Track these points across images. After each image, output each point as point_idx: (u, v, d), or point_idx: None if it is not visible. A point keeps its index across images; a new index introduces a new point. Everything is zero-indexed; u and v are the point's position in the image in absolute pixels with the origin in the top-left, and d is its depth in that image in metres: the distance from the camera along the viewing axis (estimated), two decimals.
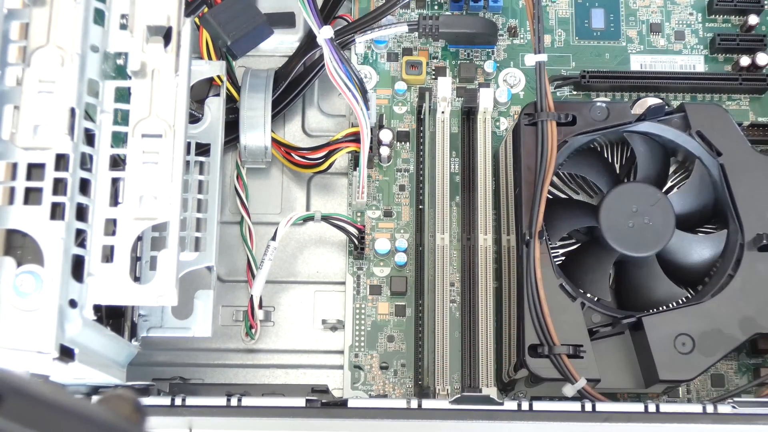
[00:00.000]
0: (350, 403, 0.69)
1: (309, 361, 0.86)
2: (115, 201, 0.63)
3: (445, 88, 0.84)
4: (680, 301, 0.78)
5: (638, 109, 0.81)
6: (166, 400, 0.68)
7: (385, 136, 0.87)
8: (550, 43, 0.93)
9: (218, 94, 0.80)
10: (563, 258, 0.80)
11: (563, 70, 0.92)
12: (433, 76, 0.91)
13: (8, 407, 0.33)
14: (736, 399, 0.72)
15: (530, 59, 0.78)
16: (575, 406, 0.69)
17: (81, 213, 0.61)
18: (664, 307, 0.77)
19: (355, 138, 0.84)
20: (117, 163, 0.64)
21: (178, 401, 0.68)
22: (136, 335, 0.73)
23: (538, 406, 0.68)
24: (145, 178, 0.62)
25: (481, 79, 0.92)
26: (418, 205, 0.86)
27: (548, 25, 0.93)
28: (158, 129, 0.63)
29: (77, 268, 0.60)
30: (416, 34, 0.91)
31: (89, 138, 0.63)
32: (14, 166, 0.60)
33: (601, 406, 0.69)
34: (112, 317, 0.71)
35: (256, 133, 0.85)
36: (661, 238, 0.77)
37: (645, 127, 0.80)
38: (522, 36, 0.93)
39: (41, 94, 0.61)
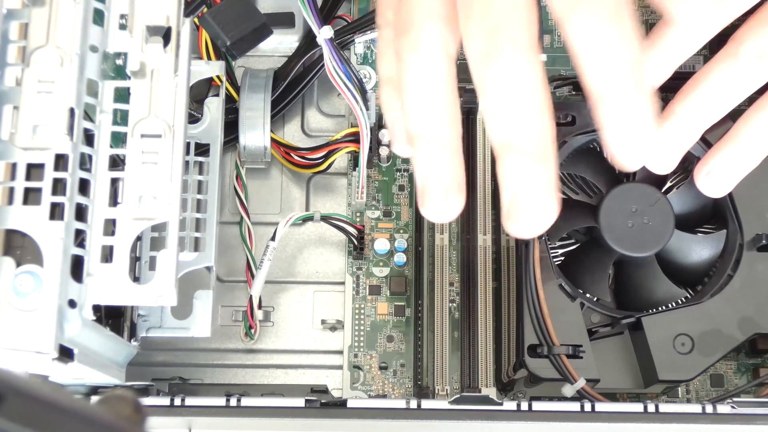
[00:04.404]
0: (349, 404, 0.69)
1: (308, 361, 0.86)
2: (114, 201, 0.63)
3: None
4: (679, 301, 0.78)
5: None
6: (165, 401, 0.69)
7: (385, 136, 0.87)
8: (549, 43, 0.93)
9: (218, 95, 0.80)
10: (562, 258, 0.80)
11: (562, 70, 0.92)
12: None
13: (8, 407, 0.33)
14: (735, 399, 0.72)
15: None
16: (574, 406, 0.69)
17: (80, 213, 0.61)
18: (664, 308, 0.77)
19: (355, 138, 0.84)
20: (116, 163, 0.64)
21: (177, 401, 0.68)
22: (135, 335, 0.73)
23: (537, 406, 0.68)
24: (145, 178, 0.62)
25: None
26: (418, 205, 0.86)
27: (548, 25, 0.93)
28: (157, 129, 0.63)
29: (76, 268, 0.60)
30: None
31: (88, 138, 0.63)
32: (13, 166, 0.60)
33: (600, 406, 0.69)
34: (112, 317, 0.71)
35: (255, 133, 0.85)
36: (660, 238, 0.77)
37: None
38: None
39: (40, 94, 0.61)
